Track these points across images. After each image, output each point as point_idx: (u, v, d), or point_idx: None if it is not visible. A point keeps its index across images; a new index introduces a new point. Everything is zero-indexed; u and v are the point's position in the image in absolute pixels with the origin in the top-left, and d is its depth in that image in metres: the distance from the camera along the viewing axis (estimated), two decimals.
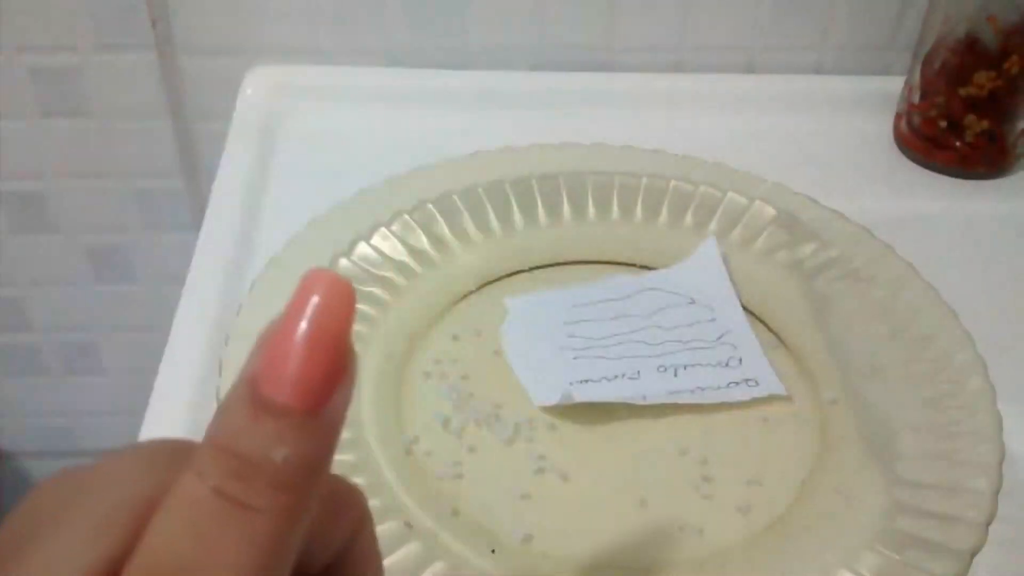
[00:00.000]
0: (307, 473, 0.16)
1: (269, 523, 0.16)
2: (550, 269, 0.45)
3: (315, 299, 0.16)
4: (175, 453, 0.18)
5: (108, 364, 0.78)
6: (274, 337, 0.16)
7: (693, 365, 0.40)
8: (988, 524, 0.32)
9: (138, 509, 0.17)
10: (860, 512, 0.34)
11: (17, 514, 0.17)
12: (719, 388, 0.39)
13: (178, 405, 0.40)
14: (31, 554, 0.16)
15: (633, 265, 0.46)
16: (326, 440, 0.16)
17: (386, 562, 0.31)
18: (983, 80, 0.52)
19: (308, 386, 0.16)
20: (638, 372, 0.40)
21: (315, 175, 0.53)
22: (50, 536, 0.16)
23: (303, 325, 0.16)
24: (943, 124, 0.54)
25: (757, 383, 0.39)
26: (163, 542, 0.16)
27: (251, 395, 0.16)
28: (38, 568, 0.16)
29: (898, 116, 0.57)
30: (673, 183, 0.47)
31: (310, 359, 0.16)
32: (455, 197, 0.46)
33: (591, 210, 0.47)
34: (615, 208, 0.47)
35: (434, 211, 0.46)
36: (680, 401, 0.38)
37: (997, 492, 0.33)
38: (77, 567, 0.16)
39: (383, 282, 0.43)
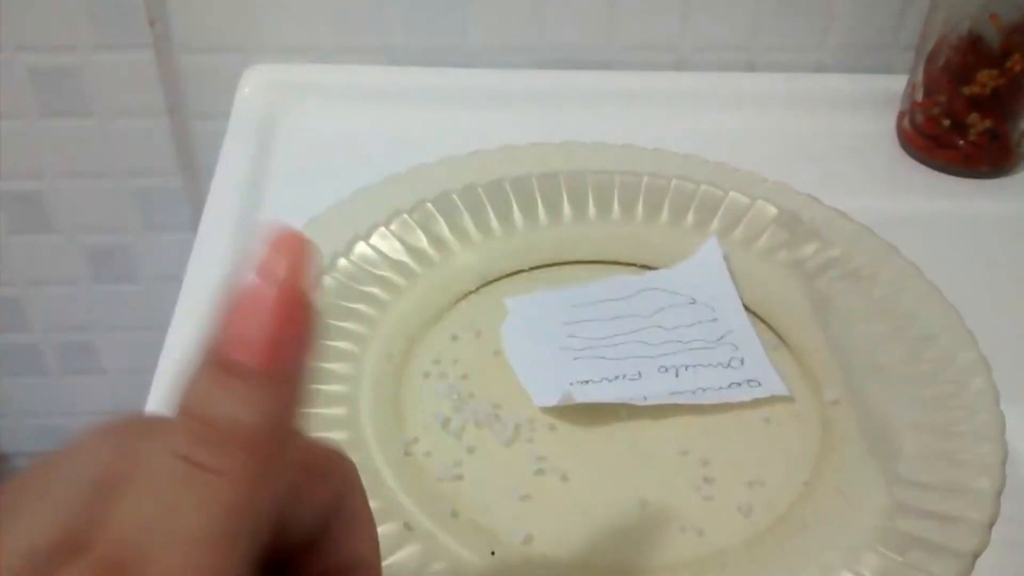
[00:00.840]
0: (271, 435, 0.16)
1: (233, 486, 0.16)
2: (550, 269, 0.45)
3: (273, 259, 0.16)
4: (142, 425, 0.18)
5: (107, 364, 0.78)
6: (233, 300, 0.16)
7: (695, 366, 0.40)
8: (990, 525, 0.32)
9: (99, 482, 0.16)
10: (862, 512, 0.34)
11: None
12: (721, 389, 0.39)
13: (175, 404, 0.40)
14: None
15: (634, 265, 0.45)
16: (289, 401, 0.16)
17: (385, 564, 0.31)
18: (986, 78, 0.51)
19: (266, 346, 0.16)
20: (639, 373, 0.40)
21: (313, 174, 0.53)
22: (9, 518, 0.16)
23: (261, 286, 0.16)
24: (946, 122, 0.54)
25: (759, 384, 0.39)
26: (129, 511, 0.16)
27: (214, 359, 0.16)
28: None
29: (901, 114, 0.57)
30: (674, 182, 0.47)
31: (268, 319, 0.16)
32: (455, 196, 0.46)
33: (592, 209, 0.47)
34: (616, 207, 0.47)
35: (433, 210, 0.45)
36: (681, 402, 0.38)
37: (1000, 492, 0.33)
38: (27, 545, 0.16)
39: (382, 282, 0.42)
